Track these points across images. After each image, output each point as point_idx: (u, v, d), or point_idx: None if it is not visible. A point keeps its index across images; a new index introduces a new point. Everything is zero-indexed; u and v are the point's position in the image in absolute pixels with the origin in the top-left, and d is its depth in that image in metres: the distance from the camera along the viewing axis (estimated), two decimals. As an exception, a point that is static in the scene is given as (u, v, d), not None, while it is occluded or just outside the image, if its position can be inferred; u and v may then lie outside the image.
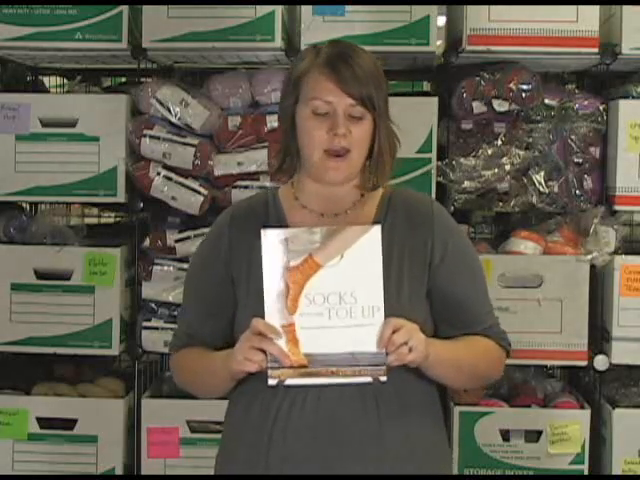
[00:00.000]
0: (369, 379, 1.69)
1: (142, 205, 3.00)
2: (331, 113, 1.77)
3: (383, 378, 1.69)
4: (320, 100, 1.77)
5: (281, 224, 1.83)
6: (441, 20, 3.18)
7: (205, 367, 1.85)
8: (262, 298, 1.72)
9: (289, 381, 1.70)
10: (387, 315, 1.69)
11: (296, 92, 1.81)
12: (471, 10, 2.88)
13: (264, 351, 1.68)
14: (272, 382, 1.69)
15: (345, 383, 1.70)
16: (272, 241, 1.69)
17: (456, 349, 1.80)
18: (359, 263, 1.68)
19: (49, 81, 3.64)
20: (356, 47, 1.83)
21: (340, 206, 1.85)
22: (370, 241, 1.68)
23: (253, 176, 2.94)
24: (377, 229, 1.69)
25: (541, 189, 2.97)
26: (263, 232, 1.70)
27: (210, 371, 1.83)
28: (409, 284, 1.79)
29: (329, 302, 1.68)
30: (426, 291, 1.82)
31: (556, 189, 2.98)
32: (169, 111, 2.93)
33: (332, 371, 1.69)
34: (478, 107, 2.96)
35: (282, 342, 1.68)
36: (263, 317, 1.70)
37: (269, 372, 1.69)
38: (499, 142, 2.97)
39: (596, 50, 2.89)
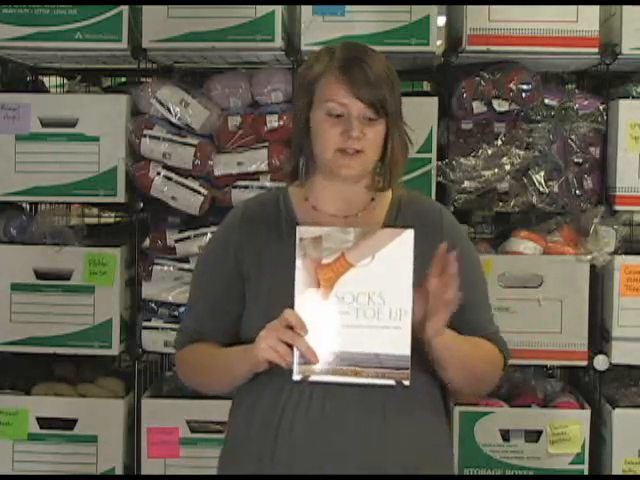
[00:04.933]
0: (392, 382, 1.70)
1: (142, 205, 3.00)
2: (345, 115, 1.78)
3: (406, 382, 1.70)
4: (335, 102, 1.78)
5: (292, 223, 1.83)
6: (441, 20, 3.18)
7: (217, 362, 1.85)
8: (273, 297, 1.74)
9: (313, 377, 1.71)
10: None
11: (310, 95, 1.82)
12: (471, 10, 2.88)
13: (290, 345, 1.69)
14: (297, 377, 1.71)
15: (367, 384, 1.70)
16: (306, 238, 1.71)
17: (466, 341, 1.80)
18: (390, 265, 1.70)
19: (49, 81, 3.64)
20: (369, 49, 1.84)
21: (351, 208, 1.87)
22: (402, 244, 1.70)
23: (253, 176, 2.94)
24: (410, 233, 1.70)
25: (541, 189, 2.97)
26: (298, 229, 1.72)
27: (223, 366, 1.83)
28: (419, 287, 1.79)
29: (358, 302, 1.70)
30: None
31: (556, 189, 2.98)
32: (169, 111, 2.93)
33: (356, 371, 1.70)
34: (478, 107, 2.96)
35: (309, 338, 1.69)
36: (273, 317, 1.71)
37: (295, 368, 1.70)
38: (499, 142, 2.97)
39: (596, 50, 2.89)
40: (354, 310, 1.70)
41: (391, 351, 1.69)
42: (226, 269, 1.87)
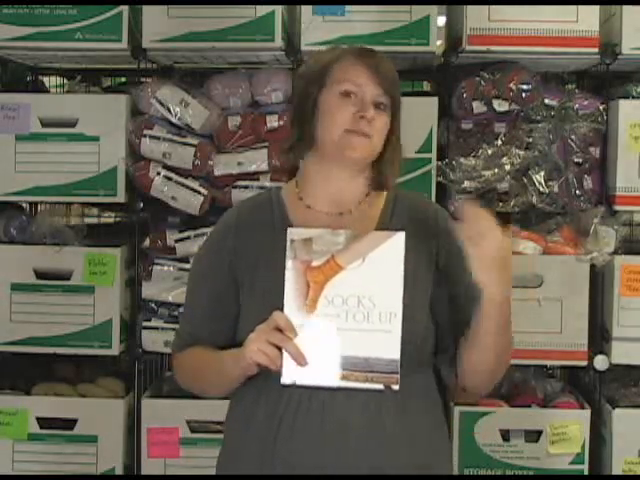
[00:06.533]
0: (381, 386, 1.70)
1: (142, 205, 3.00)
2: (359, 97, 1.79)
3: (395, 387, 1.69)
4: (351, 82, 1.79)
5: (285, 224, 1.82)
6: (441, 20, 3.18)
7: (211, 366, 1.84)
8: (268, 300, 1.74)
9: (302, 381, 1.70)
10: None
11: (322, 79, 1.82)
12: (471, 10, 2.88)
13: (279, 348, 1.68)
14: (286, 381, 1.70)
15: (356, 388, 1.70)
16: (297, 240, 1.70)
17: None
18: (380, 268, 1.69)
19: (49, 81, 3.64)
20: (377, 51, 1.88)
21: (345, 205, 1.86)
22: (393, 247, 1.69)
23: (253, 176, 2.94)
24: (401, 236, 1.70)
25: (541, 189, 2.97)
26: (289, 230, 1.72)
27: (217, 369, 1.83)
28: (413, 287, 1.79)
29: (347, 304, 1.69)
30: (430, 293, 1.83)
31: (556, 189, 2.98)
32: (169, 111, 2.93)
33: (345, 375, 1.69)
34: (478, 107, 2.96)
35: (298, 341, 1.68)
36: (267, 319, 1.70)
37: (284, 371, 1.69)
38: (499, 142, 2.97)
39: (596, 50, 2.89)
40: (344, 313, 1.69)
41: (381, 355, 1.68)
42: (220, 274, 1.86)
